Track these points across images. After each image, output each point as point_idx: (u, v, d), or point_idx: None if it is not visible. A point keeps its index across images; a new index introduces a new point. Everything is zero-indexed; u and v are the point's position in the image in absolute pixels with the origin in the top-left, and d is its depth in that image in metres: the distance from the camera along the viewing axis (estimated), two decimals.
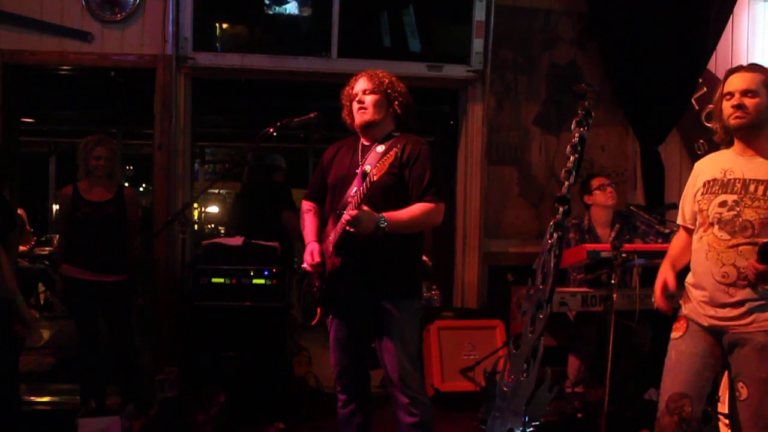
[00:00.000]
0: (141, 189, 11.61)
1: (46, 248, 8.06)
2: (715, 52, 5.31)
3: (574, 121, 2.41)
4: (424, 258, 5.66)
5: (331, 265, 2.99)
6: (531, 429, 2.13)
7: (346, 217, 2.75)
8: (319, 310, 3.11)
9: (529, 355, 2.17)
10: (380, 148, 2.96)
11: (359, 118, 3.04)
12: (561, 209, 2.30)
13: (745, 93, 2.63)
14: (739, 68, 2.74)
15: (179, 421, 3.95)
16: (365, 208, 2.75)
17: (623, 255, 3.78)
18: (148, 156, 5.52)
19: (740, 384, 2.61)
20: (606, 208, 4.61)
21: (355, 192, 2.84)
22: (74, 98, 7.80)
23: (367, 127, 3.05)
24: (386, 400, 3.13)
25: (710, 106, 5.29)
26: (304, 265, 3.08)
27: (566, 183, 2.33)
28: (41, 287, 7.70)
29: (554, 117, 5.33)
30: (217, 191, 12.49)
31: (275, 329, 4.40)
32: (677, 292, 2.90)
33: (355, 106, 3.04)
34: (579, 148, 2.37)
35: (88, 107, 8.58)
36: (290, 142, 10.15)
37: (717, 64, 5.43)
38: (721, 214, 2.68)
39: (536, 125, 5.34)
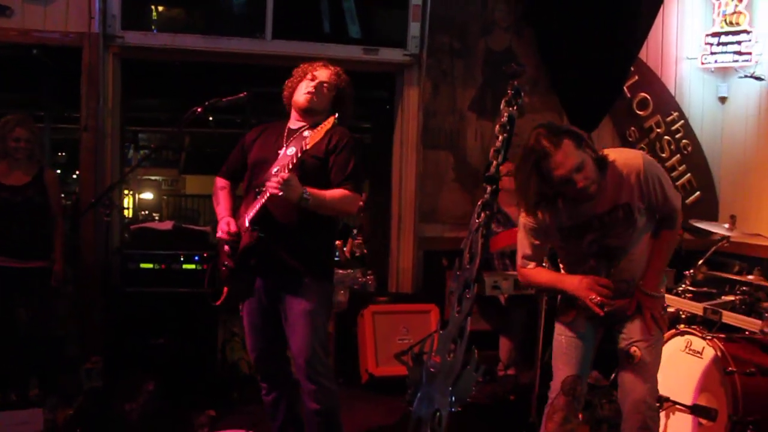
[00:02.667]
0: (75, 176, 11.24)
1: None
2: (646, 42, 5.41)
3: (503, 101, 2.40)
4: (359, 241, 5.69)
5: (246, 239, 2.91)
6: (456, 409, 2.11)
7: (275, 180, 2.70)
8: (225, 289, 3.01)
9: (456, 336, 2.15)
10: (307, 133, 2.91)
11: (302, 100, 3.02)
12: (489, 189, 2.28)
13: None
14: None
15: (106, 411, 3.85)
16: (294, 179, 2.74)
17: None
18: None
19: (632, 348, 2.77)
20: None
21: (292, 153, 2.79)
22: None
23: (308, 112, 3.03)
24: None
25: (642, 93, 5.47)
26: (219, 234, 3.01)
27: (495, 162, 2.30)
28: None
29: (490, 102, 5.35)
30: (154, 178, 12.25)
31: (206, 315, 4.31)
32: None
33: (309, 86, 3.02)
34: (508, 128, 2.35)
35: (11, 89, 8.20)
36: (226, 127, 9.98)
37: (648, 53, 5.57)
38: (590, 250, 2.81)
39: (472, 110, 5.35)
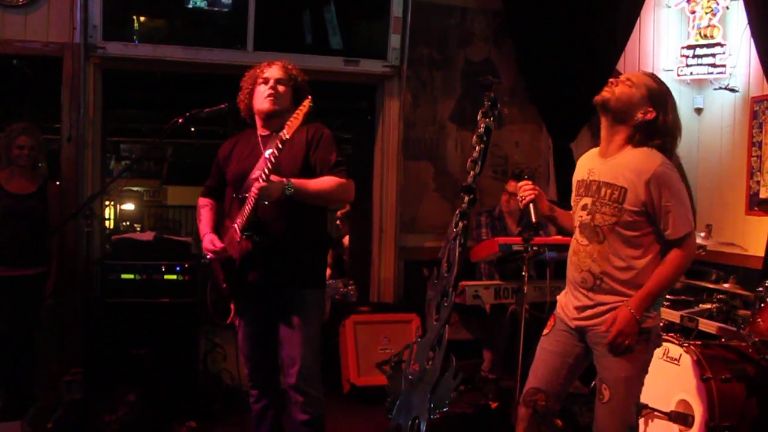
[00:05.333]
0: None
1: None
2: (624, 54, 5.48)
3: (480, 112, 2.44)
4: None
5: (240, 249, 2.92)
6: (435, 416, 2.14)
7: (254, 191, 2.71)
8: (232, 306, 3.05)
9: (435, 344, 2.18)
10: (286, 133, 2.90)
11: (267, 104, 2.98)
12: (466, 198, 2.32)
13: (626, 80, 2.69)
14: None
15: (85, 424, 3.82)
16: (273, 177, 2.72)
17: (534, 248, 3.87)
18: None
19: (603, 386, 2.65)
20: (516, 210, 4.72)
21: (269, 154, 2.76)
22: None
23: (271, 116, 3.00)
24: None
25: None
26: (205, 251, 3.02)
27: (471, 172, 2.36)
28: None
29: (470, 113, 5.39)
30: (135, 189, 12.19)
31: (188, 326, 4.31)
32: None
33: (264, 91, 2.98)
34: (485, 138, 2.40)
35: None
36: (208, 138, 9.98)
37: (626, 65, 5.62)
38: (582, 218, 2.74)
39: (452, 121, 5.41)
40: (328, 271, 5.82)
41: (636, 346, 2.60)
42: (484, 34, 5.48)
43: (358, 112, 6.11)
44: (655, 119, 2.62)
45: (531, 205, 2.81)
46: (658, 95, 2.66)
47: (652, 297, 2.60)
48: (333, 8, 5.26)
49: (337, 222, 6.79)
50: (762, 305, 3.42)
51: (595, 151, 2.84)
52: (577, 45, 5.20)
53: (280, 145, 2.67)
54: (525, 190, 2.83)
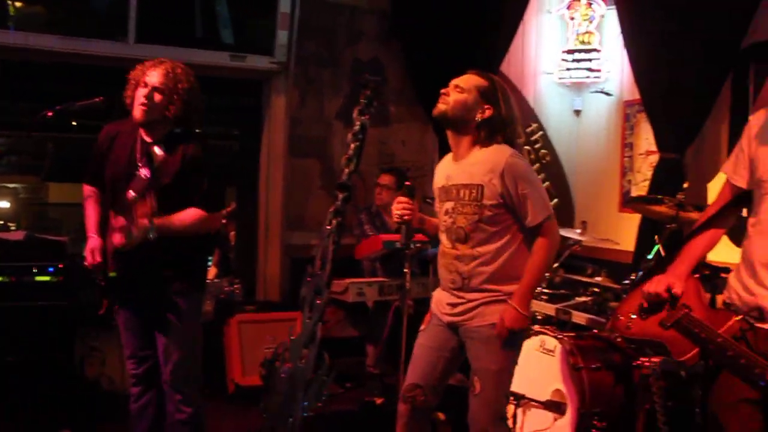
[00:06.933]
0: None
1: None
2: (507, 57, 5.64)
3: (356, 110, 2.46)
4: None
5: (112, 267, 2.93)
6: (309, 414, 2.14)
7: (117, 241, 2.81)
8: (105, 301, 3.00)
9: (308, 341, 2.18)
10: (159, 151, 2.87)
11: (138, 112, 2.89)
12: (341, 196, 2.33)
13: (455, 87, 2.79)
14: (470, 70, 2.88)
15: None
16: (134, 230, 2.77)
17: (417, 245, 3.93)
18: None
19: (475, 378, 2.74)
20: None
21: (133, 198, 2.81)
22: None
23: (145, 125, 2.93)
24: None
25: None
26: (87, 263, 2.98)
27: (346, 170, 2.37)
28: None
29: None
30: (11, 185, 11.55)
31: (62, 330, 4.13)
32: None
33: (141, 97, 2.88)
34: (360, 136, 2.42)
35: None
36: (91, 132, 9.56)
37: (510, 68, 5.79)
38: (446, 222, 2.83)
39: (339, 119, 5.41)
40: (214, 270, 5.72)
41: (507, 337, 2.70)
42: (373, 33, 5.52)
43: (244, 108, 6.03)
44: (493, 115, 2.75)
45: (403, 227, 2.91)
46: (489, 91, 2.78)
47: (531, 290, 2.75)
48: (224, 1, 5.17)
49: (223, 220, 6.68)
50: (624, 300, 3.60)
51: (449, 157, 2.94)
52: (461, 47, 5.31)
53: (147, 183, 2.80)
54: (400, 208, 2.87)
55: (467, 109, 2.74)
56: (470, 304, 2.75)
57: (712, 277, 3.31)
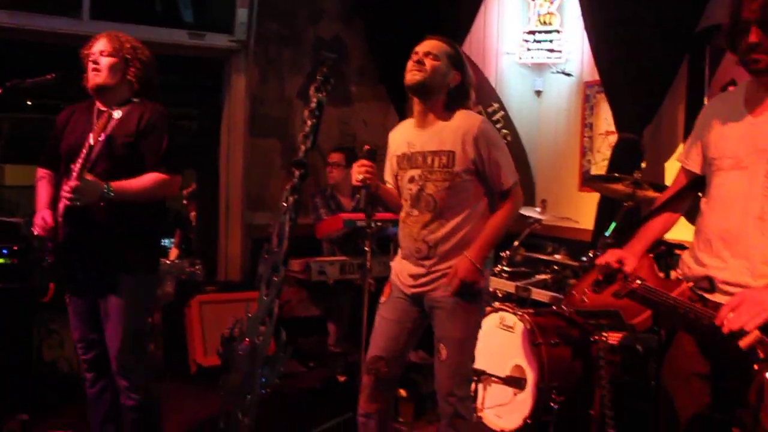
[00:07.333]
0: None
1: None
2: (469, 36, 5.64)
3: (312, 87, 2.44)
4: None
5: (62, 234, 2.84)
6: (266, 392, 2.14)
7: (66, 189, 2.65)
8: (52, 285, 2.92)
9: (265, 318, 2.17)
10: (117, 114, 2.80)
11: (92, 79, 2.89)
12: (297, 173, 2.32)
13: (427, 54, 2.79)
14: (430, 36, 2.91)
15: None
16: (88, 177, 2.67)
17: (378, 223, 3.93)
18: None
19: (440, 345, 2.80)
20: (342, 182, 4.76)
21: (92, 139, 2.75)
22: None
23: (100, 91, 2.91)
24: None
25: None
26: (36, 229, 2.90)
27: (303, 147, 2.35)
28: None
29: None
30: None
31: (18, 312, 4.06)
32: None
33: (90, 66, 2.89)
34: (317, 113, 2.39)
35: None
36: (49, 112, 9.35)
37: (471, 48, 5.78)
38: (410, 190, 2.83)
39: (300, 98, 5.36)
40: (175, 251, 5.67)
41: (470, 306, 2.77)
42: (335, 12, 5.47)
43: (204, 88, 5.95)
44: (462, 81, 2.80)
45: (363, 191, 2.89)
46: (456, 57, 2.83)
47: (488, 245, 2.77)
48: None
49: (184, 201, 6.61)
50: (580, 277, 3.66)
51: (407, 123, 2.95)
52: (423, 26, 5.26)
53: (88, 151, 2.68)
54: (363, 171, 2.83)
55: (442, 75, 2.76)
56: (435, 275, 2.78)
57: (667, 254, 3.39)
